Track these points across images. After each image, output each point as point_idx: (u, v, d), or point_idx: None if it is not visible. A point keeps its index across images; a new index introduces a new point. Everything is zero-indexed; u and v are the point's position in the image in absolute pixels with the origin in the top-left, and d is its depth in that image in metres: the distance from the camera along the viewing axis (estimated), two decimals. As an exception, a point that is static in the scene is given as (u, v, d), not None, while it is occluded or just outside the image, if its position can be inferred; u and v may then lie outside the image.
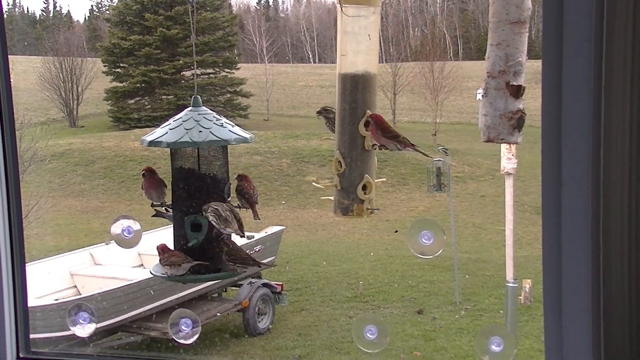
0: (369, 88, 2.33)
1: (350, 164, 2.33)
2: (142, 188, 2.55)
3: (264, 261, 11.46)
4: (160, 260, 2.39)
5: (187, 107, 2.46)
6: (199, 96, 2.45)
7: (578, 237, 1.79)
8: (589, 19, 1.70)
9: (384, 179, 2.50)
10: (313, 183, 2.45)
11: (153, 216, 2.52)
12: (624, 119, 1.70)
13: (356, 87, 2.32)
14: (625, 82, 1.69)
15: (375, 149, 2.33)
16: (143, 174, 2.55)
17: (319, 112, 2.50)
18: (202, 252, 2.39)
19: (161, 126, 2.40)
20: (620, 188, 1.72)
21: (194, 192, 2.41)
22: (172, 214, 2.46)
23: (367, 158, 2.35)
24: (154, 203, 2.52)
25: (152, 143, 2.37)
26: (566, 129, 1.78)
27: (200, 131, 2.33)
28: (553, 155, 1.81)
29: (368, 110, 2.30)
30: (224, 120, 2.42)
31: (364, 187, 2.34)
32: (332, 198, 2.40)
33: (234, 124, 2.44)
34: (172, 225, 2.50)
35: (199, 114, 2.39)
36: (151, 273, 2.47)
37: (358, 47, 2.30)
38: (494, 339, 2.08)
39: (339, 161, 2.34)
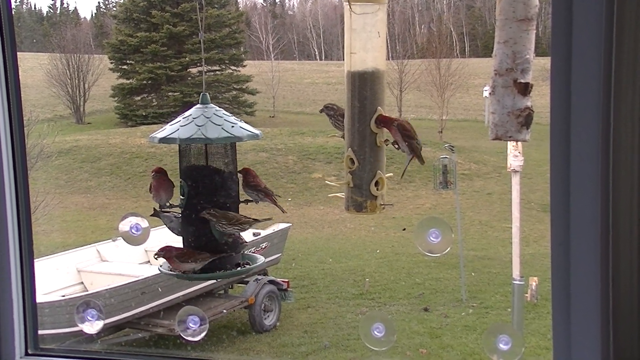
0: (378, 85, 2.33)
1: (362, 160, 2.33)
2: (150, 189, 2.49)
3: (270, 258, 11.51)
4: (180, 260, 2.36)
5: (194, 104, 2.46)
6: (207, 93, 2.44)
7: (587, 234, 1.78)
8: (599, 16, 1.69)
9: (391, 174, 2.50)
10: (326, 181, 2.45)
11: (152, 215, 2.50)
12: (634, 115, 1.69)
13: (365, 84, 2.32)
14: (635, 79, 1.68)
15: (387, 145, 2.34)
16: (154, 175, 2.50)
17: (321, 110, 2.50)
18: (213, 248, 2.40)
19: (170, 123, 2.39)
20: (630, 185, 1.72)
21: (208, 189, 2.41)
22: (183, 213, 2.44)
23: (378, 154, 2.35)
24: (161, 205, 2.49)
25: (164, 140, 2.36)
26: (575, 127, 1.77)
27: (212, 128, 2.33)
28: (562, 152, 1.80)
29: (379, 107, 2.31)
30: (232, 117, 2.42)
31: (377, 184, 2.33)
32: (340, 195, 2.40)
33: (241, 121, 2.43)
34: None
35: (209, 111, 2.39)
36: (160, 271, 2.46)
37: (367, 44, 2.29)
38: (501, 337, 2.08)
39: (351, 158, 2.34)
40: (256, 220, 2.49)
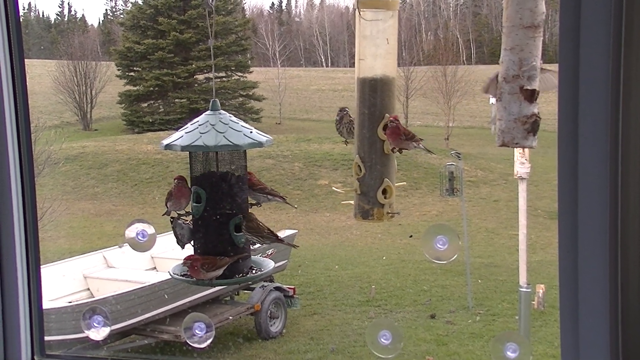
0: (388, 92, 2.33)
1: (369, 168, 2.32)
2: (170, 196, 2.46)
3: (276, 264, 11.49)
4: (205, 269, 2.35)
5: (200, 110, 2.46)
6: (217, 100, 2.43)
7: (595, 242, 1.77)
8: (607, 22, 1.69)
9: (403, 183, 2.49)
10: (333, 188, 2.44)
11: (172, 223, 2.48)
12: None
13: (375, 91, 2.31)
14: (644, 86, 1.67)
15: (395, 152, 2.33)
16: (177, 182, 2.45)
17: (341, 109, 2.48)
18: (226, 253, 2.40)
19: (185, 130, 2.39)
20: (638, 192, 1.71)
21: (222, 195, 2.41)
22: (198, 219, 2.43)
23: (386, 162, 2.34)
24: (178, 212, 2.47)
25: (167, 146, 2.37)
26: (583, 134, 1.77)
27: (214, 135, 2.32)
28: (569, 159, 1.79)
29: (387, 114, 2.30)
30: (241, 123, 2.40)
31: (384, 191, 2.32)
32: (352, 202, 2.39)
33: (252, 128, 2.42)
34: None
35: (216, 118, 2.38)
36: (171, 276, 2.45)
37: (377, 51, 2.29)
38: (509, 345, 2.07)
39: (359, 165, 2.33)
40: (279, 240, 2.50)
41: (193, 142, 2.32)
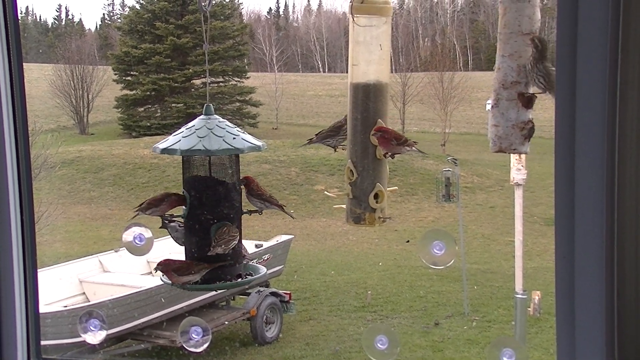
0: (381, 97, 2.33)
1: (361, 172, 2.33)
2: (161, 201, 2.45)
3: (272, 270, 11.51)
4: (178, 274, 2.35)
5: (197, 115, 2.45)
6: (211, 104, 2.43)
7: (592, 248, 1.78)
8: (604, 28, 1.70)
9: (395, 188, 2.49)
10: (325, 192, 2.45)
11: (161, 227, 2.48)
12: (639, 128, 1.69)
13: (368, 96, 2.32)
14: (641, 93, 1.68)
15: (387, 157, 2.33)
16: (177, 197, 2.44)
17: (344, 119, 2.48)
18: (214, 259, 2.38)
19: (173, 134, 2.40)
20: (635, 197, 1.72)
21: (211, 200, 2.40)
22: (186, 223, 2.43)
23: (378, 167, 2.34)
24: (165, 215, 2.47)
25: (165, 151, 2.35)
26: (580, 140, 1.77)
27: (214, 139, 2.32)
28: (566, 165, 1.80)
29: (379, 120, 2.31)
30: (228, 128, 2.40)
31: (376, 196, 2.33)
32: (344, 207, 2.39)
33: (239, 134, 2.41)
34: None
35: (211, 122, 2.38)
36: (162, 281, 2.45)
37: (370, 56, 2.30)
38: (505, 351, 2.07)
39: (351, 170, 2.34)
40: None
41: (171, 146, 2.33)
